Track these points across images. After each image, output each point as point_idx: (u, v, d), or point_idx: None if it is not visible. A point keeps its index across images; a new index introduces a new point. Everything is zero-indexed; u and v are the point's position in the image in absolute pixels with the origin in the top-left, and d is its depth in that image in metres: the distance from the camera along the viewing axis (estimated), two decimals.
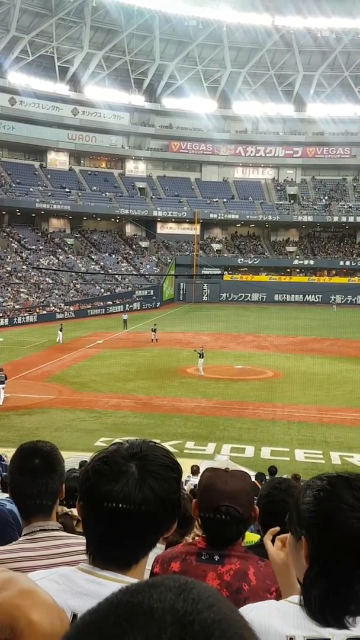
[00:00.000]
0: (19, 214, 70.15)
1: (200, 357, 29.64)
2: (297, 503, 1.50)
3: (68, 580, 1.44)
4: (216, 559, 2.16)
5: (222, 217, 78.20)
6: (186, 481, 12.15)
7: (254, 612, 1.48)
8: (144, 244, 77.15)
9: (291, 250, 78.70)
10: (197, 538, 2.36)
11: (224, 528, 2.17)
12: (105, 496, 1.41)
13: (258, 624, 1.41)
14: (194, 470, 13.09)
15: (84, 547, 1.55)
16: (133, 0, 69.80)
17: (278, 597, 1.77)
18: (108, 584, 1.39)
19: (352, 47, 77.44)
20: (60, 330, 39.30)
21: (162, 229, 78.91)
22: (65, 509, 3.50)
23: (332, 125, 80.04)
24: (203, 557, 2.18)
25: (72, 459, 10.71)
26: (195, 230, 74.95)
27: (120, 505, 1.39)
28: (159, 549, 3.54)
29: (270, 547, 1.79)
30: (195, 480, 11.99)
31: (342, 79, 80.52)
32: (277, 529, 1.81)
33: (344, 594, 1.35)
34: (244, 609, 1.50)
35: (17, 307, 53.55)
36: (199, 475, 11.61)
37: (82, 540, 1.60)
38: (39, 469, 2.24)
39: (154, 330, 40.14)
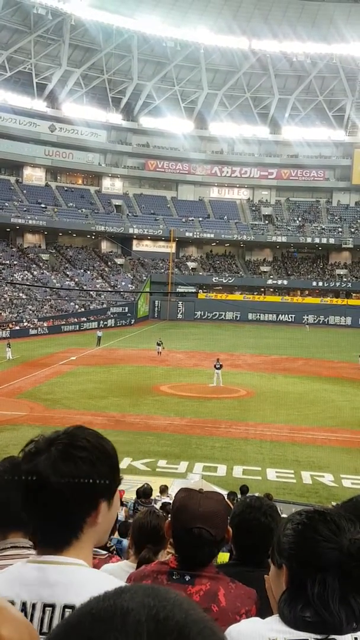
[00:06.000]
0: None
1: (217, 368, 30.87)
2: (279, 535, 1.66)
3: (16, 573, 1.55)
4: (187, 579, 2.17)
5: (198, 236, 78.68)
6: (156, 500, 12.09)
7: (242, 622, 1.70)
8: (119, 260, 77.16)
9: (265, 270, 79.39)
10: (170, 557, 2.36)
11: (196, 550, 2.17)
12: (24, 475, 1.57)
13: (245, 628, 1.60)
14: (162, 489, 13.03)
15: None
16: (112, 19, 70.48)
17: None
18: (46, 568, 1.51)
19: (326, 72, 79.08)
20: (9, 347, 38.95)
21: (137, 246, 79.07)
22: None
23: (307, 148, 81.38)
24: (174, 577, 2.19)
25: None
26: (170, 248, 75.25)
27: (32, 483, 1.53)
28: (130, 567, 3.54)
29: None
30: (165, 499, 11.95)
31: (317, 103, 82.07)
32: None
33: (321, 605, 1.51)
34: (234, 624, 1.69)
35: None
36: (169, 494, 11.56)
37: None
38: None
39: (159, 344, 40.92)
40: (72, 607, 1.46)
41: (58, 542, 1.54)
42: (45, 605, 1.47)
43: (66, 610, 1.47)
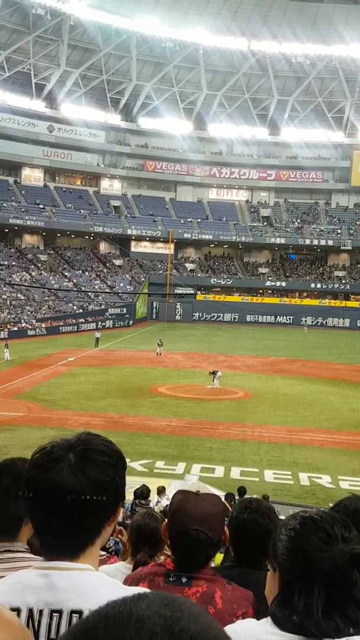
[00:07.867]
0: None
1: (213, 375, 30.99)
2: (275, 539, 1.67)
3: (21, 579, 1.54)
4: (183, 581, 2.16)
5: (196, 237, 78.68)
6: (157, 502, 12.08)
7: (237, 623, 1.72)
8: (117, 262, 77.15)
9: (264, 271, 79.42)
10: (166, 559, 2.35)
11: (192, 552, 2.17)
12: (41, 484, 1.51)
13: (241, 629, 1.60)
14: (159, 491, 13.01)
15: None
16: (111, 20, 70.50)
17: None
18: (52, 574, 1.49)
19: (326, 74, 79.18)
20: (7, 348, 38.91)
21: (136, 247, 79.05)
22: None
23: (305, 150, 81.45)
24: (171, 579, 2.18)
25: None
26: (169, 249, 75.24)
27: (54, 491, 1.49)
28: (127, 569, 3.52)
29: None
30: (163, 500, 11.93)
31: (316, 104, 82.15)
32: None
33: (304, 614, 1.50)
34: (229, 625, 1.70)
35: None
36: (166, 495, 11.54)
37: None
38: (11, 488, 2.20)
39: (160, 345, 40.96)
40: (78, 612, 1.46)
41: (75, 549, 1.52)
42: (52, 611, 1.47)
43: (73, 615, 1.46)
